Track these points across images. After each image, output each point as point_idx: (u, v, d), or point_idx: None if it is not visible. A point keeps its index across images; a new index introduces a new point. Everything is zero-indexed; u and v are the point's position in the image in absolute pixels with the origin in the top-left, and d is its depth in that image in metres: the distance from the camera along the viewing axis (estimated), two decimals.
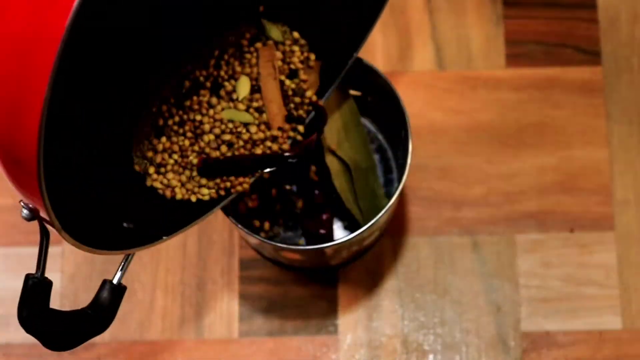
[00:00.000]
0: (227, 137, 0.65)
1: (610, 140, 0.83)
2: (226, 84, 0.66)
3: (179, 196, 0.65)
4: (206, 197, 0.65)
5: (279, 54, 0.68)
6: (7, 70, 0.46)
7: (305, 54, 0.68)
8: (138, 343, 0.79)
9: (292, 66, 0.68)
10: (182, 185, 0.65)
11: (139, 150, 0.64)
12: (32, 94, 0.45)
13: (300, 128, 0.67)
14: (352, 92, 0.75)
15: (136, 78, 0.63)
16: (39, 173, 0.48)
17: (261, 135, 0.66)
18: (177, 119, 0.65)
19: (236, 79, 0.67)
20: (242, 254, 0.81)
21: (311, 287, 0.80)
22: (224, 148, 0.65)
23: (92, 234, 0.55)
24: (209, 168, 0.64)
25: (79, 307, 0.80)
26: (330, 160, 0.74)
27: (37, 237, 0.82)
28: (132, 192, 0.64)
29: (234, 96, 0.66)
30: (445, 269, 0.80)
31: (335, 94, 0.71)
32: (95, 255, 0.81)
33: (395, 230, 0.81)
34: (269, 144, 0.66)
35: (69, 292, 0.80)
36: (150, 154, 0.64)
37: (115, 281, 0.57)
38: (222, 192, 0.66)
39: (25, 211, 0.52)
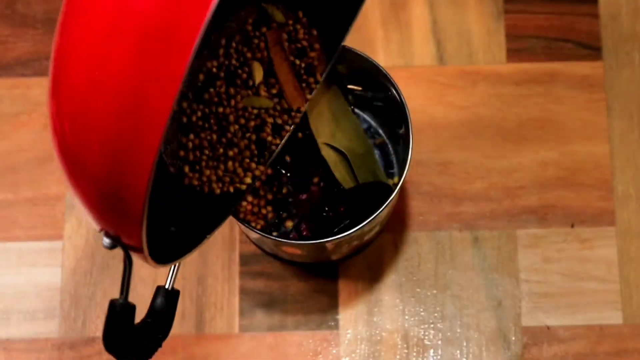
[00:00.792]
0: (252, 123, 0.66)
1: (611, 135, 0.83)
2: (239, 71, 0.66)
3: (217, 191, 0.65)
4: (244, 187, 0.66)
5: (285, 35, 0.68)
6: (124, 119, 0.47)
7: (308, 31, 0.69)
8: None
9: (299, 45, 0.68)
10: (219, 179, 0.66)
11: (169, 151, 0.64)
12: (146, 145, 0.47)
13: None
14: (353, 86, 0.75)
15: None
16: (143, 213, 0.49)
17: (285, 117, 0.67)
18: (199, 114, 0.65)
19: (249, 66, 0.67)
20: (243, 249, 0.81)
21: (312, 282, 0.80)
22: (252, 136, 0.65)
23: (157, 249, 0.55)
24: None
25: (79, 302, 0.80)
26: (327, 153, 0.73)
27: (37, 232, 0.82)
28: (173, 196, 0.64)
29: (250, 83, 0.66)
30: (446, 264, 0.80)
31: (319, 87, 0.72)
32: (95, 250, 0.81)
33: (396, 225, 0.81)
34: (290, 122, 0.67)
35: (69, 287, 0.80)
36: (182, 152, 0.64)
37: (167, 286, 0.58)
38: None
39: (106, 240, 0.52)
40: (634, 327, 0.79)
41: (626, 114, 0.83)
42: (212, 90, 0.66)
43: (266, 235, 0.70)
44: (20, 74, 0.85)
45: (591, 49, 0.85)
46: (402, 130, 0.73)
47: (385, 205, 0.68)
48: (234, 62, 0.66)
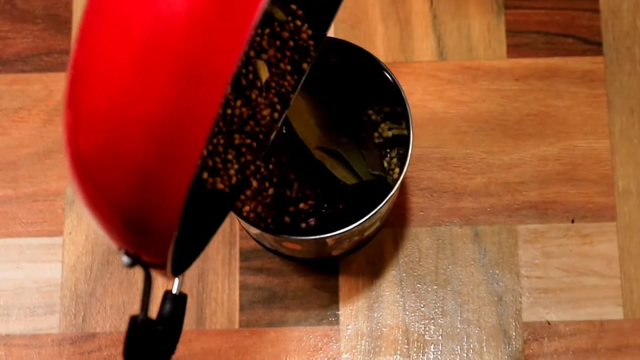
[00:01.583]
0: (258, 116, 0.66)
1: (612, 130, 0.83)
2: (244, 70, 0.66)
3: (226, 189, 0.65)
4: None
5: (285, 33, 0.67)
6: (157, 150, 0.45)
7: (305, 25, 0.68)
8: None
9: (302, 43, 0.68)
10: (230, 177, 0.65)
11: None
12: (180, 174, 0.45)
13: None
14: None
15: None
16: (172, 236, 0.48)
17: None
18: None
19: (253, 65, 0.66)
20: (243, 245, 0.81)
21: (312, 278, 0.80)
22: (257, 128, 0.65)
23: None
24: None
25: (80, 298, 0.80)
26: (321, 156, 0.74)
27: (37, 228, 0.82)
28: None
29: (257, 83, 0.66)
30: (447, 260, 0.80)
31: (297, 96, 0.71)
32: (95, 247, 0.81)
33: (396, 221, 0.81)
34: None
35: (69, 283, 0.80)
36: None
37: (175, 291, 0.57)
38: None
39: (126, 259, 0.51)
40: (634, 322, 0.79)
41: (627, 109, 0.83)
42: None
43: (266, 230, 0.70)
44: (20, 69, 0.85)
45: (592, 44, 0.85)
46: (402, 126, 0.73)
47: (385, 200, 0.68)
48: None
